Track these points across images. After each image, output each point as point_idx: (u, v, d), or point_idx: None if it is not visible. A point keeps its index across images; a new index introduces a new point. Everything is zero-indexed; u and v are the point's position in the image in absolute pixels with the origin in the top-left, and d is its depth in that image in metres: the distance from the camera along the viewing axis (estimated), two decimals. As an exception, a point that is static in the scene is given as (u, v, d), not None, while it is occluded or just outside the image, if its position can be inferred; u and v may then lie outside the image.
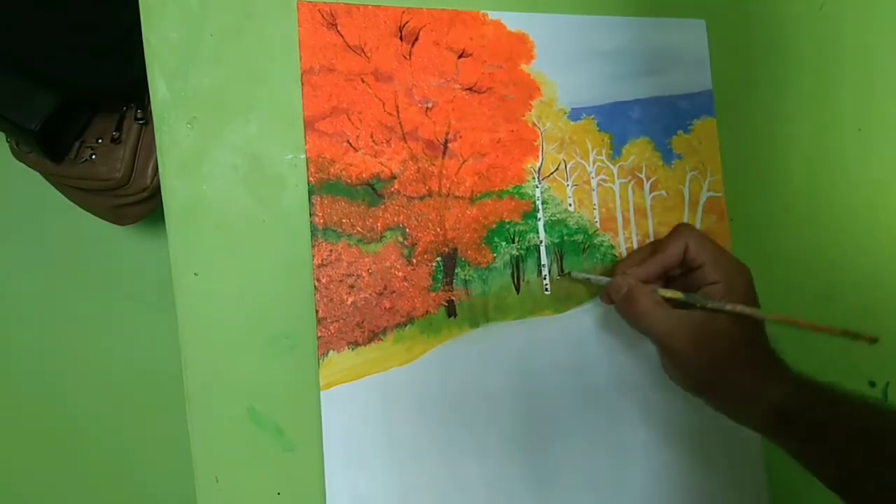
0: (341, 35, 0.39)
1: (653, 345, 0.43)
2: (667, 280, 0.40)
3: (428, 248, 0.39)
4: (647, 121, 0.45)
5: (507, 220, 0.41)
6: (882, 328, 0.49)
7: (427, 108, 0.40)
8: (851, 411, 0.35)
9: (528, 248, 0.41)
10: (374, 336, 0.38)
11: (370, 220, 0.38)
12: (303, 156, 0.38)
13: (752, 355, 0.37)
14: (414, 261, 0.39)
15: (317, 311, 0.37)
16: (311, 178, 0.37)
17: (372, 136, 0.39)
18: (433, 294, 0.39)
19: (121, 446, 0.98)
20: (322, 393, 0.36)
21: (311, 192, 0.37)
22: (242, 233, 0.37)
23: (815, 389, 0.36)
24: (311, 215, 0.37)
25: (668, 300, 0.38)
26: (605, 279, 0.40)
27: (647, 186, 0.44)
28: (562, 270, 0.42)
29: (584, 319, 0.42)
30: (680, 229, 0.39)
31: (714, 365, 0.37)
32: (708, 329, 0.36)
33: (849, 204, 0.50)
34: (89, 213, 0.79)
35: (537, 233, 0.42)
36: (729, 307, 0.36)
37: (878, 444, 0.34)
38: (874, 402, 0.36)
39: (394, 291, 0.38)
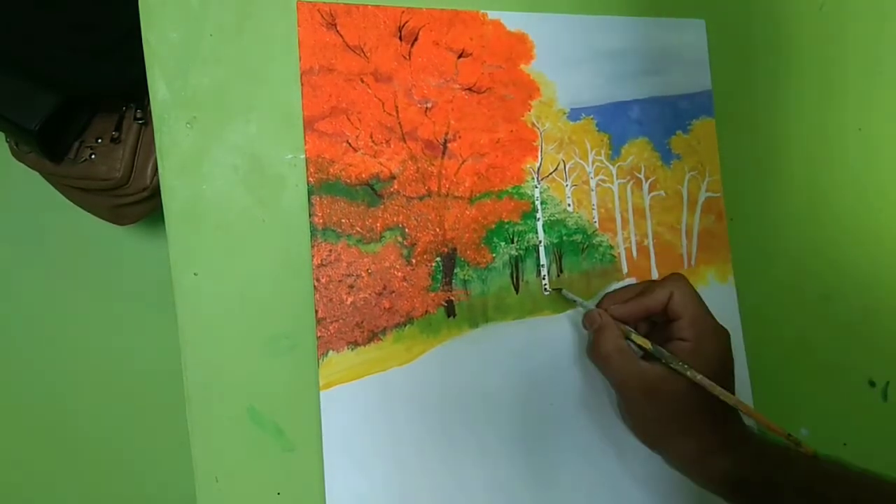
0: (341, 35, 0.39)
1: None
2: (651, 325, 0.41)
3: (427, 249, 0.39)
4: (646, 121, 0.45)
5: (506, 221, 0.41)
6: (882, 328, 0.49)
7: (426, 108, 0.40)
8: (803, 476, 0.35)
9: (527, 249, 0.41)
10: (373, 336, 0.38)
11: (369, 221, 0.38)
12: (302, 156, 0.38)
13: (706, 421, 0.37)
14: (413, 261, 0.39)
15: (316, 312, 0.37)
16: (310, 179, 0.37)
17: (371, 137, 0.39)
18: (432, 294, 0.39)
19: (121, 446, 0.98)
20: (322, 393, 0.36)
21: (310, 193, 0.37)
22: (242, 233, 0.37)
23: (770, 451, 0.36)
24: (310, 215, 0.37)
25: (639, 346, 0.38)
26: (590, 306, 0.40)
27: (645, 187, 0.44)
28: (561, 270, 0.42)
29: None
30: (671, 278, 0.39)
31: (663, 422, 0.37)
32: (664, 387, 0.36)
33: (849, 204, 0.50)
34: (89, 213, 0.79)
35: (536, 233, 0.42)
36: (689, 373, 0.36)
37: None
38: (828, 467, 0.36)
39: (393, 291, 0.38)
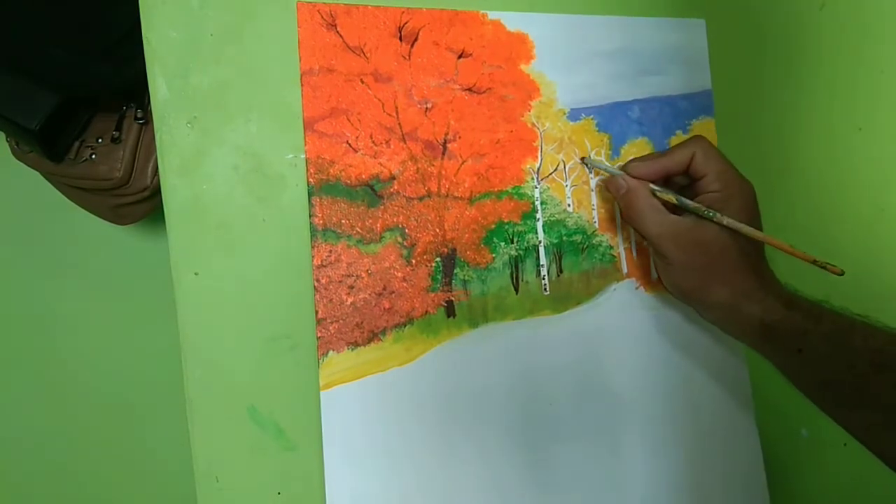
0: (341, 35, 0.39)
1: (650, 346, 0.44)
2: (679, 191, 0.40)
3: (427, 249, 0.39)
4: (646, 121, 0.45)
5: (506, 221, 0.41)
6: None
7: (426, 108, 0.40)
8: (836, 328, 0.36)
9: (526, 249, 0.41)
10: (373, 336, 0.38)
11: (369, 221, 0.38)
12: (303, 156, 0.38)
13: (739, 269, 0.37)
14: (413, 261, 0.39)
15: (316, 312, 0.37)
16: (310, 179, 0.37)
17: (371, 137, 0.39)
18: (432, 294, 0.39)
19: (121, 446, 0.98)
20: (322, 393, 0.36)
21: (310, 193, 0.37)
22: (243, 233, 0.37)
23: (803, 307, 0.37)
24: (310, 216, 0.37)
25: (665, 204, 0.39)
26: (616, 171, 0.40)
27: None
28: (560, 270, 0.42)
29: (583, 319, 0.42)
30: (693, 138, 0.39)
31: (698, 272, 0.38)
32: (696, 236, 0.37)
33: (849, 204, 0.50)
34: (90, 213, 0.79)
35: (536, 233, 0.42)
36: (714, 215, 0.37)
37: (855, 359, 0.35)
38: (855, 319, 0.37)
39: (393, 292, 0.38)
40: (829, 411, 0.37)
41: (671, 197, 0.38)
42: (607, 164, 0.41)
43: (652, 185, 0.39)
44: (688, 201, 0.38)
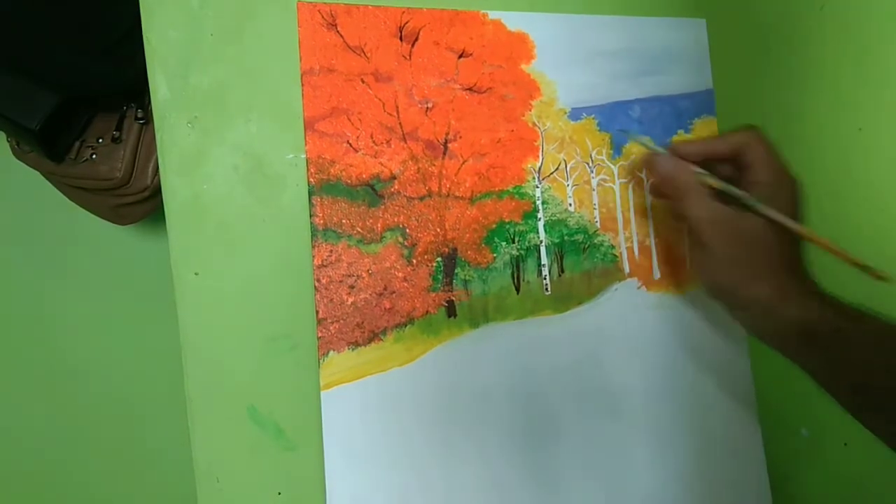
0: (341, 35, 0.39)
1: (652, 346, 0.43)
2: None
3: (428, 249, 0.39)
4: (647, 120, 0.45)
5: (507, 221, 0.41)
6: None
7: (427, 108, 0.40)
8: (876, 331, 0.34)
9: (528, 248, 0.41)
10: (374, 336, 0.38)
11: (370, 221, 0.38)
12: (303, 156, 0.38)
13: (780, 264, 0.36)
14: (414, 261, 0.39)
15: (317, 312, 0.37)
16: (311, 179, 0.37)
17: (372, 137, 0.39)
18: (433, 294, 0.39)
19: (121, 446, 0.98)
20: (322, 393, 0.36)
21: (311, 193, 0.37)
22: (243, 232, 0.37)
23: (842, 309, 0.35)
24: (311, 216, 0.37)
25: (710, 188, 0.37)
26: (660, 150, 0.39)
27: (647, 186, 0.44)
28: (562, 270, 0.42)
29: (584, 319, 0.42)
30: (745, 127, 0.38)
31: (737, 265, 0.35)
32: (740, 226, 0.35)
33: (849, 204, 0.50)
34: (90, 213, 0.79)
35: (537, 233, 0.42)
36: (761, 208, 0.35)
37: (894, 362, 0.33)
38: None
39: (394, 292, 0.38)
40: (861, 416, 0.35)
41: (715, 182, 0.36)
42: (649, 140, 0.39)
43: (695, 169, 0.37)
44: (734, 188, 0.36)
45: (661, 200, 0.39)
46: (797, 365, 0.36)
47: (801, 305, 0.35)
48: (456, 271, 0.40)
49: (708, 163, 0.38)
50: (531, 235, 0.41)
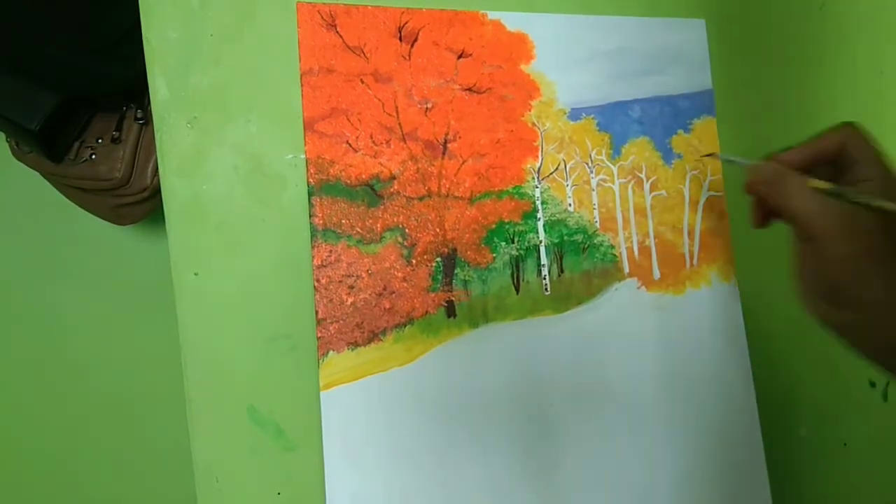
0: (341, 36, 0.39)
1: (652, 346, 0.43)
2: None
3: (427, 249, 0.39)
4: (647, 120, 0.45)
5: (506, 221, 0.41)
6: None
7: (426, 108, 0.40)
8: None
9: (527, 249, 0.41)
10: (373, 336, 0.38)
11: (370, 221, 0.38)
12: (303, 156, 0.38)
13: (895, 260, 0.33)
14: (413, 261, 0.39)
15: (316, 312, 0.37)
16: (310, 179, 0.37)
17: (371, 137, 0.39)
18: (433, 294, 0.39)
19: (121, 446, 0.98)
20: (322, 393, 0.36)
21: (310, 193, 0.37)
22: (243, 233, 0.37)
23: None
24: (310, 216, 0.37)
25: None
26: (751, 162, 0.38)
27: (647, 186, 0.44)
28: (561, 270, 0.42)
29: (584, 319, 0.42)
30: (842, 124, 0.36)
31: (852, 261, 0.33)
32: (858, 221, 0.33)
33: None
34: (90, 213, 0.79)
35: (537, 233, 0.42)
36: (878, 202, 0.33)
37: None
38: None
39: (393, 292, 0.38)
40: None
41: (826, 184, 0.34)
42: (740, 157, 0.38)
43: (803, 175, 0.35)
44: (846, 188, 0.34)
45: (763, 207, 0.37)
46: None
47: None
48: (455, 271, 0.40)
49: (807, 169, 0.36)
50: (531, 235, 0.41)
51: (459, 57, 0.41)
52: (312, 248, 0.37)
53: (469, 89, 0.41)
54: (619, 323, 0.43)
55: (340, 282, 0.37)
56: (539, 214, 0.42)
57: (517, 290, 0.41)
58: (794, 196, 0.34)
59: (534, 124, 0.42)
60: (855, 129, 0.35)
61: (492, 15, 0.42)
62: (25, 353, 0.97)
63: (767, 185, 0.36)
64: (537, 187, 0.42)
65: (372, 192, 0.39)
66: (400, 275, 0.39)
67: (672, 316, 0.44)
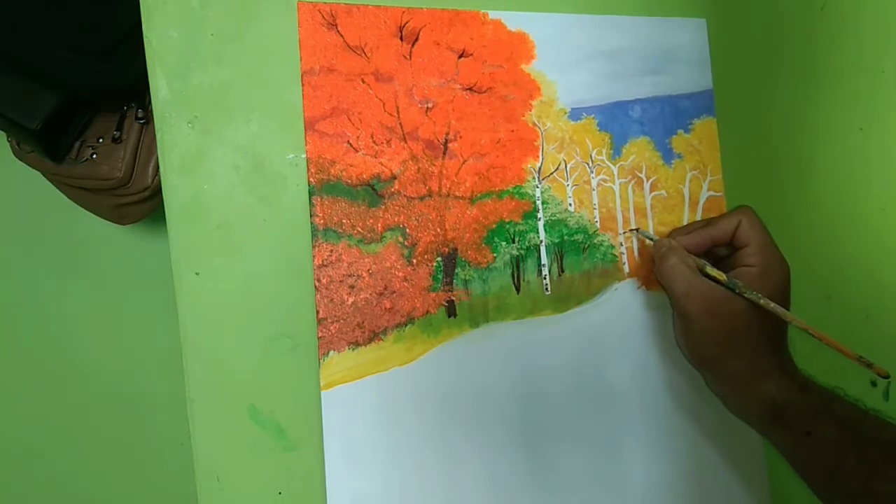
0: (341, 35, 0.39)
1: (652, 346, 0.43)
2: (715, 261, 0.41)
3: (428, 249, 0.39)
4: (647, 120, 0.45)
5: (507, 220, 0.41)
6: (883, 328, 0.49)
7: (427, 108, 0.40)
8: (847, 415, 0.36)
9: (528, 248, 0.41)
10: (374, 336, 0.38)
11: (370, 221, 0.38)
12: (303, 156, 0.38)
13: (761, 346, 0.37)
14: (414, 261, 0.39)
15: (317, 312, 0.37)
16: (311, 179, 0.37)
17: (372, 137, 0.39)
18: (433, 294, 0.39)
19: (121, 446, 0.98)
20: (323, 393, 0.36)
21: (311, 193, 0.37)
22: (243, 232, 0.37)
23: (816, 391, 0.37)
24: (311, 216, 0.37)
25: (710, 277, 0.39)
26: (655, 239, 0.42)
27: (647, 186, 0.44)
28: (562, 270, 0.42)
29: (584, 319, 0.42)
30: (739, 208, 0.40)
31: (719, 341, 0.37)
32: (727, 305, 0.37)
33: (850, 203, 0.50)
34: (90, 213, 0.79)
35: (537, 233, 0.42)
36: (763, 301, 0.37)
37: (866, 447, 0.34)
38: (872, 414, 0.36)
39: (394, 292, 0.38)
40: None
41: (722, 276, 0.38)
42: (653, 234, 0.43)
43: (701, 261, 0.39)
44: (737, 282, 0.38)
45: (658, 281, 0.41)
46: (771, 444, 0.38)
47: (776, 384, 0.36)
48: (456, 271, 0.40)
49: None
50: (531, 235, 0.41)
51: (460, 56, 0.41)
52: (313, 247, 0.37)
53: (470, 89, 0.41)
54: (619, 323, 0.43)
55: (341, 281, 0.37)
56: (539, 214, 0.42)
57: (517, 289, 0.41)
58: (674, 277, 0.38)
59: (534, 124, 0.42)
60: (749, 213, 0.39)
61: (492, 14, 0.42)
62: (26, 353, 0.97)
63: (657, 261, 0.40)
64: (538, 187, 0.42)
65: (373, 191, 0.39)
66: (400, 274, 0.39)
67: (672, 316, 0.44)
